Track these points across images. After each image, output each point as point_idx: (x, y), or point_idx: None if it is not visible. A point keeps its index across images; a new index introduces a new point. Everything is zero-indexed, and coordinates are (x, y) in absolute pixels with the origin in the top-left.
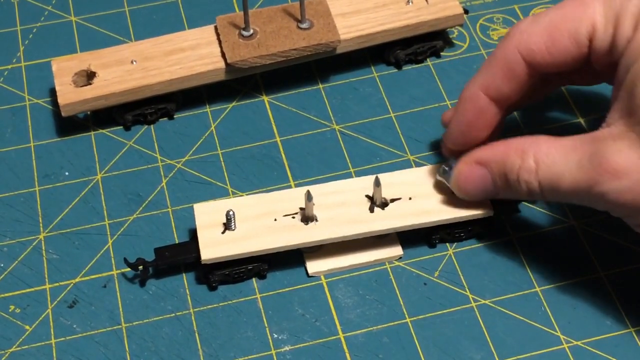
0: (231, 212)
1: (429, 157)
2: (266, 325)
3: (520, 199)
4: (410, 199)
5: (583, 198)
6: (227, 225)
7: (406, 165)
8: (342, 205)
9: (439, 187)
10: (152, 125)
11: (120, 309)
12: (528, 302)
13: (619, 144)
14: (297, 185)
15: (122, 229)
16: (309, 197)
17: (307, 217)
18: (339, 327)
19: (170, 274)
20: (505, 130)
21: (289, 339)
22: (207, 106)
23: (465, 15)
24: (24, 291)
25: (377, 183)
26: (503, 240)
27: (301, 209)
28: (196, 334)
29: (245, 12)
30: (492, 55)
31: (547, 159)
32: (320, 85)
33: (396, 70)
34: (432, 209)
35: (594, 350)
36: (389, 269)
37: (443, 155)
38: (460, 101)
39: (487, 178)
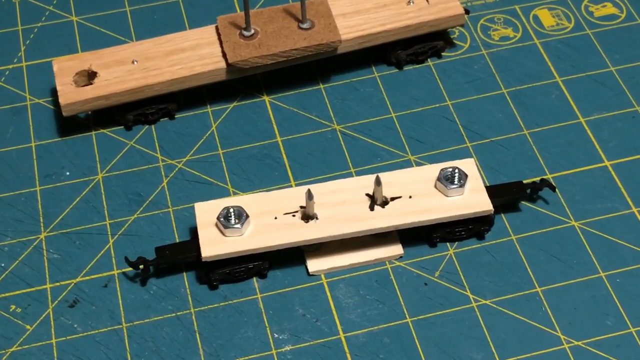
0: (232, 210)
1: (429, 158)
2: (267, 325)
3: None
4: (410, 197)
5: None
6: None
7: (407, 165)
8: (342, 204)
9: (439, 186)
10: (153, 125)
11: (121, 309)
12: (529, 303)
13: None
14: (297, 186)
15: (123, 229)
16: (309, 195)
17: (307, 216)
18: (339, 327)
19: (171, 274)
20: (506, 131)
21: (290, 338)
22: (208, 106)
23: (466, 16)
24: (24, 291)
25: (377, 182)
26: (504, 241)
27: (301, 207)
28: (197, 334)
29: (246, 12)
30: None
31: None
32: (321, 86)
33: (397, 70)
34: (432, 207)
35: (594, 351)
36: (389, 269)
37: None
38: None
39: None
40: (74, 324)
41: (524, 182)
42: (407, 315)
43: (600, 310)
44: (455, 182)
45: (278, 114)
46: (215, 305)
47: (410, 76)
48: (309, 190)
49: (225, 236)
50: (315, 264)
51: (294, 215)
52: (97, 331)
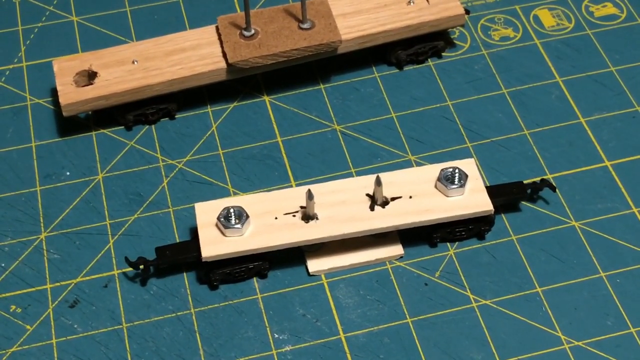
0: (232, 210)
1: (430, 158)
2: (267, 325)
3: None
4: (410, 197)
5: None
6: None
7: (407, 165)
8: (342, 204)
9: (440, 186)
10: (153, 125)
11: (121, 309)
12: (529, 303)
13: None
14: (298, 186)
15: (123, 229)
16: (310, 195)
17: (308, 216)
18: (339, 327)
19: (171, 274)
20: (506, 131)
21: (290, 339)
22: (209, 106)
23: (466, 16)
24: (25, 291)
25: (378, 182)
26: (504, 241)
27: (302, 207)
28: (197, 334)
29: (247, 12)
30: None
31: None
32: (322, 86)
33: (397, 70)
34: (433, 208)
35: (595, 351)
36: (389, 269)
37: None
38: None
39: None
40: (74, 324)
41: (524, 182)
42: (407, 316)
43: (600, 311)
44: (456, 182)
45: (278, 114)
46: (216, 305)
47: (410, 76)
48: (309, 191)
49: (226, 236)
50: (315, 264)
51: (294, 216)
52: (97, 331)
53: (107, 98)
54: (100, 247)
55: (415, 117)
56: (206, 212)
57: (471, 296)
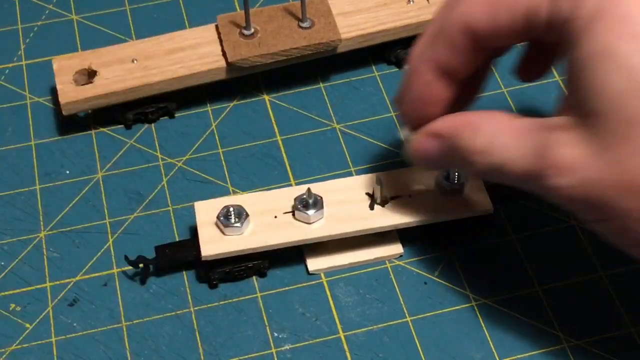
0: (232, 208)
1: None
2: (266, 324)
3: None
4: (410, 196)
5: (531, 187)
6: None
7: (407, 164)
8: (342, 203)
9: (439, 185)
10: (152, 124)
11: (121, 308)
12: (528, 302)
13: (567, 136)
14: (297, 185)
15: (122, 228)
16: (379, 181)
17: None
18: (339, 326)
19: (170, 273)
20: None
21: (289, 337)
22: (208, 105)
23: None
24: (24, 289)
25: (378, 181)
26: (503, 240)
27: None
28: (197, 333)
29: (246, 11)
30: (433, 26)
31: (497, 141)
32: (321, 84)
33: (397, 69)
34: (432, 207)
35: (594, 350)
36: (389, 268)
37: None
38: (406, 76)
39: (437, 151)
40: (73, 323)
41: None
42: (406, 314)
43: (600, 310)
44: (456, 182)
45: (278, 112)
46: (215, 304)
47: None
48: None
49: (225, 235)
50: (314, 263)
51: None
52: (96, 330)
53: (106, 97)
54: (99, 246)
55: None
56: (206, 211)
57: (470, 295)
